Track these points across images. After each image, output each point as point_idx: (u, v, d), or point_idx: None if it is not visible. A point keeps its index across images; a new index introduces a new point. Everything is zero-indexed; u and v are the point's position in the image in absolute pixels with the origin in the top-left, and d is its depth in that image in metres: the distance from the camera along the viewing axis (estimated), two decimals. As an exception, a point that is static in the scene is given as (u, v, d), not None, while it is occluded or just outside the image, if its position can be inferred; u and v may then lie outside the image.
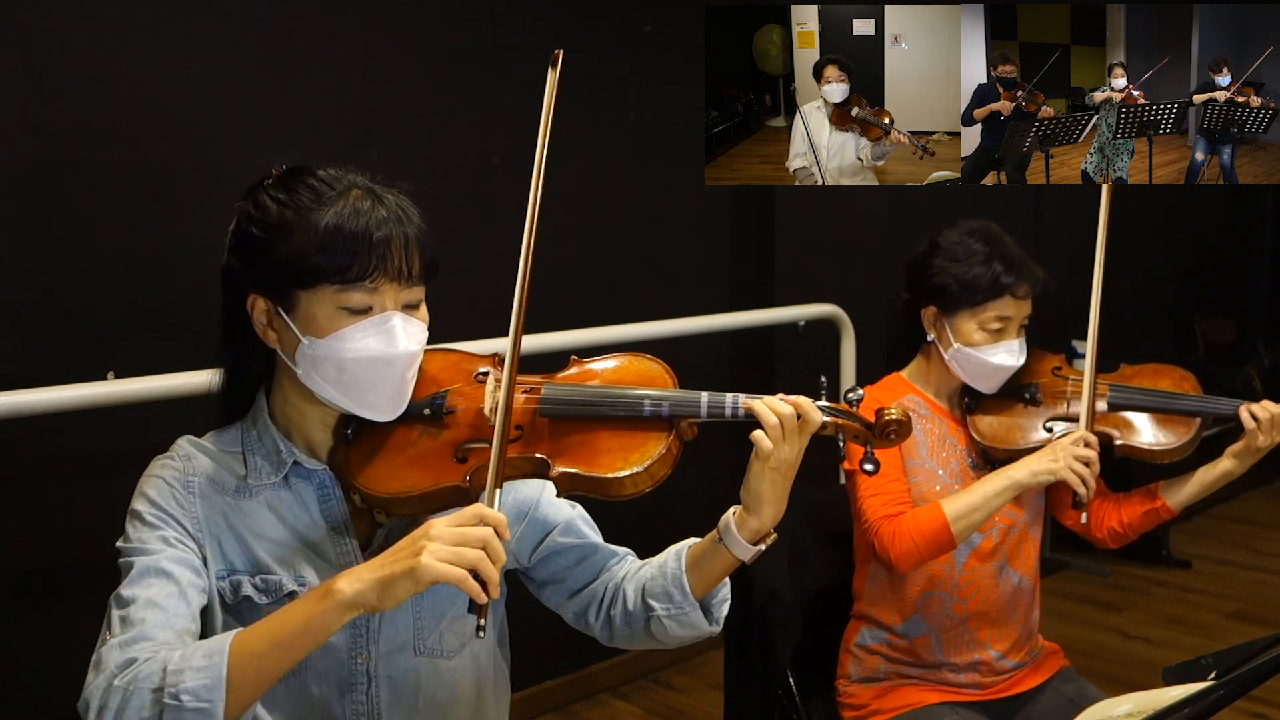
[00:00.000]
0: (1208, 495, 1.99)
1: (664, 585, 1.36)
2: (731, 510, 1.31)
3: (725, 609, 1.41)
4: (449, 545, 1.09)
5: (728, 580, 1.39)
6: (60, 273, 2.34)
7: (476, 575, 1.09)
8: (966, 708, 1.97)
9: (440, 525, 1.11)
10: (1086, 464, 1.84)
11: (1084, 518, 1.92)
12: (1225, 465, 1.94)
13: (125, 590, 1.21)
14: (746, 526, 1.29)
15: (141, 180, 2.42)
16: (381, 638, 1.33)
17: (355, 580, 1.11)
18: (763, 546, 1.30)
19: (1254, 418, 1.89)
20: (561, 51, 1.28)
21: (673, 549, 1.39)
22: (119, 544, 1.26)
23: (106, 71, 2.36)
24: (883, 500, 1.91)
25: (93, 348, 2.36)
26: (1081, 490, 1.84)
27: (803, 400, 1.27)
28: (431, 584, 1.09)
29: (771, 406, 1.26)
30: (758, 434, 1.25)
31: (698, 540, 1.37)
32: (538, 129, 1.28)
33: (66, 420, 2.16)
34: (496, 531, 1.12)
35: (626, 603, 1.40)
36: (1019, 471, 1.87)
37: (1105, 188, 2.03)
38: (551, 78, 1.28)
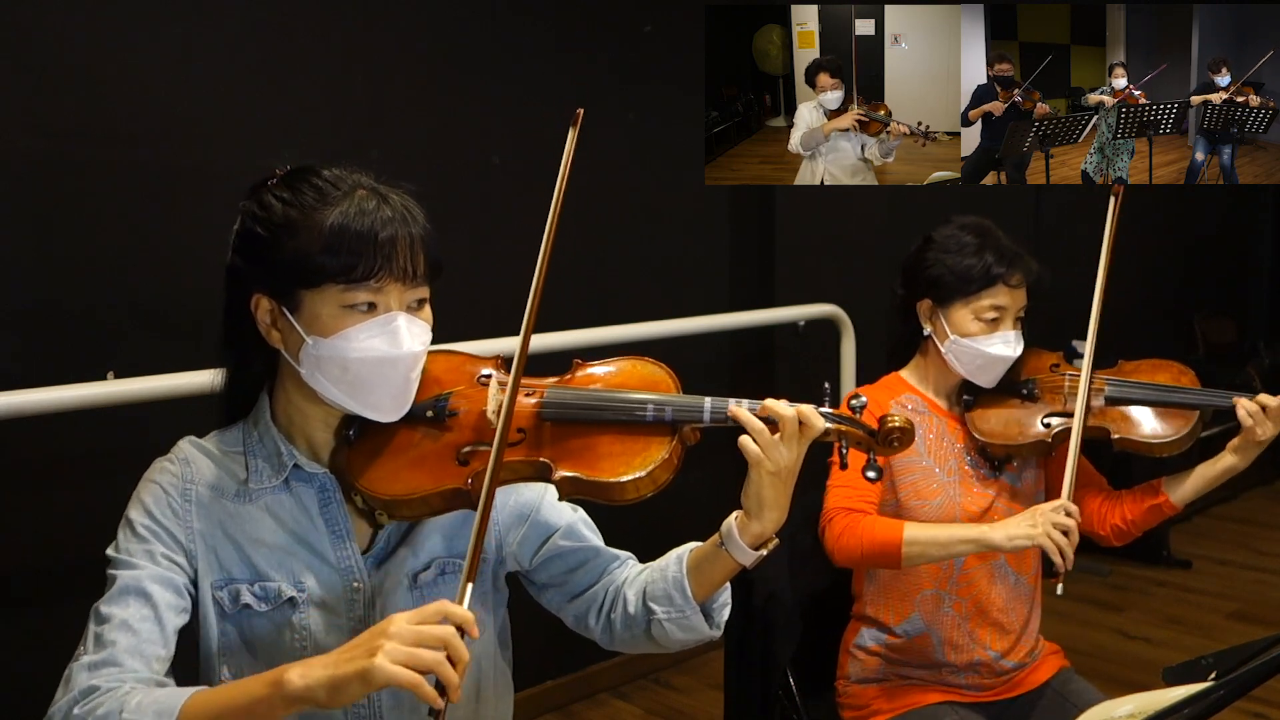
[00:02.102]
0: (1210, 492, 1.98)
1: (665, 589, 1.36)
2: (734, 515, 1.31)
3: (726, 613, 1.40)
4: (406, 646, 1.04)
5: (729, 584, 1.39)
6: (60, 273, 2.34)
7: (436, 679, 1.05)
8: (967, 708, 1.97)
9: (400, 622, 1.06)
10: (1065, 533, 1.80)
11: (1059, 589, 1.85)
12: (1227, 460, 1.94)
13: (104, 607, 1.22)
14: (748, 531, 1.29)
15: (141, 180, 2.42)
16: (382, 640, 1.33)
17: (306, 675, 1.07)
18: (764, 551, 1.30)
19: (1249, 414, 1.89)
20: (582, 111, 1.27)
21: (674, 553, 1.39)
22: (109, 551, 1.27)
23: (106, 71, 2.36)
24: (847, 494, 1.92)
25: (93, 348, 2.36)
26: (1057, 560, 1.80)
27: (805, 407, 1.27)
28: (384, 687, 1.04)
29: (773, 410, 1.26)
30: (745, 440, 1.25)
31: (699, 544, 1.37)
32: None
33: (66, 420, 2.16)
34: (462, 630, 1.07)
35: (627, 606, 1.39)
36: (995, 533, 1.84)
37: (1115, 197, 2.02)
38: (571, 136, 1.27)
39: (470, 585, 1.14)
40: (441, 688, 1.05)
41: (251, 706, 1.10)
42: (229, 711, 1.11)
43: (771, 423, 1.26)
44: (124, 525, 1.28)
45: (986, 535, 1.84)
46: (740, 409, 1.26)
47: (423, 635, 1.06)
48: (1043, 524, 1.81)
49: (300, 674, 1.08)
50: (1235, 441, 1.92)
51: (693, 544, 1.38)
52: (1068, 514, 1.82)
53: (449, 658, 1.05)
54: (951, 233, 2.00)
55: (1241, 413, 1.89)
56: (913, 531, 1.86)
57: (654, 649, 1.41)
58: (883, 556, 1.87)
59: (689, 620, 1.35)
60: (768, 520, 1.28)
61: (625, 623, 1.40)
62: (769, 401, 1.27)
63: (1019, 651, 2.03)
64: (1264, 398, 1.89)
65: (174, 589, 1.26)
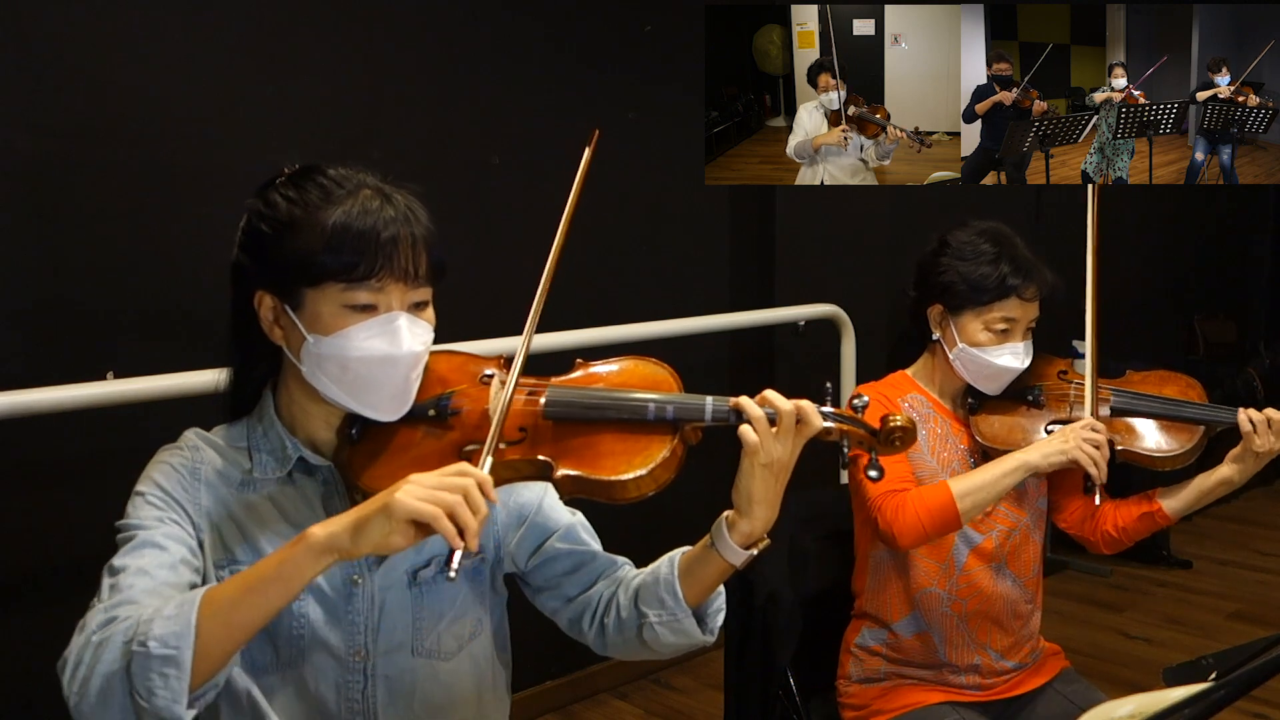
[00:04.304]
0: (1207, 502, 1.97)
1: (657, 592, 1.35)
2: (724, 514, 1.31)
3: (720, 618, 1.39)
4: (426, 486, 1.08)
5: (723, 590, 1.38)
6: (60, 273, 2.34)
7: (455, 522, 1.07)
8: (967, 708, 1.97)
9: (420, 474, 1.11)
10: (1096, 447, 1.84)
11: (1097, 499, 1.90)
12: (1223, 472, 1.92)
13: (118, 560, 1.21)
14: (738, 530, 1.28)
15: (141, 180, 2.42)
16: (380, 637, 1.33)
17: (329, 524, 1.10)
18: (754, 551, 1.29)
19: (1251, 422, 1.87)
20: (598, 132, 1.29)
21: (666, 556, 1.39)
22: (118, 522, 1.26)
23: (106, 71, 2.36)
24: (885, 478, 1.91)
25: (93, 348, 2.36)
26: (1094, 471, 1.83)
27: (804, 403, 1.26)
28: (405, 523, 1.07)
29: (772, 402, 1.25)
30: (744, 428, 1.24)
31: (692, 547, 1.37)
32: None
33: (66, 420, 2.16)
34: (481, 489, 1.10)
35: (620, 610, 1.39)
36: (1031, 454, 1.87)
37: (1092, 188, 2.02)
38: (586, 156, 1.29)
39: (490, 459, 1.17)
40: (460, 530, 1.07)
41: (279, 569, 1.11)
42: (256, 581, 1.11)
43: (770, 415, 1.25)
44: (133, 498, 1.28)
45: (1025, 459, 1.87)
46: (744, 399, 1.26)
47: (443, 481, 1.09)
48: (1074, 439, 1.85)
49: (322, 526, 1.10)
50: (1234, 451, 1.90)
51: (686, 547, 1.37)
52: (1095, 430, 1.86)
53: (467, 503, 1.08)
54: (968, 239, 1.98)
55: (1243, 418, 1.87)
56: (959, 485, 1.87)
57: (647, 654, 1.40)
58: (943, 521, 1.87)
59: (680, 624, 1.35)
60: (757, 518, 1.27)
61: (618, 627, 1.40)
62: (769, 393, 1.26)
63: (1019, 651, 2.03)
64: (1271, 412, 1.87)
65: (188, 546, 1.26)
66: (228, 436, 1.37)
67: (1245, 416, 1.87)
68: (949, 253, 1.98)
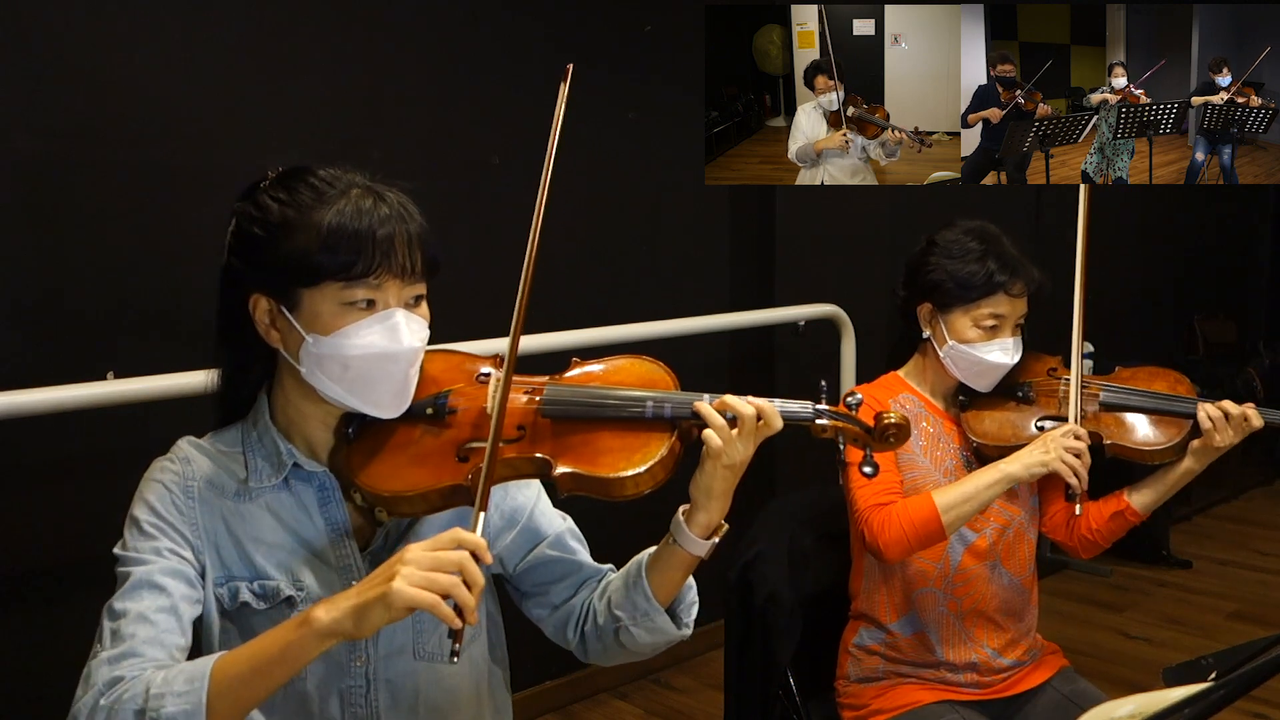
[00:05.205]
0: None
1: (629, 594, 1.37)
2: (680, 509, 1.33)
3: (694, 612, 1.42)
4: (422, 570, 1.07)
5: (694, 584, 1.40)
6: (60, 273, 2.34)
7: (454, 602, 1.07)
8: (966, 707, 1.97)
9: (415, 550, 1.09)
10: (1077, 455, 1.86)
11: (1078, 509, 1.92)
12: (1185, 464, 1.94)
13: (117, 603, 1.22)
14: (696, 522, 1.30)
15: (141, 180, 2.42)
16: (381, 641, 1.33)
17: (332, 608, 1.10)
18: (716, 539, 1.32)
19: (1210, 418, 1.89)
20: (572, 66, 1.29)
21: (635, 559, 1.40)
22: (116, 550, 1.27)
23: (106, 71, 2.36)
24: (874, 490, 1.92)
25: (93, 348, 2.36)
26: (1074, 481, 1.85)
27: (764, 404, 1.28)
28: (405, 610, 1.07)
29: (733, 406, 1.27)
30: (708, 433, 1.26)
31: (655, 547, 1.38)
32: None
33: (66, 420, 2.16)
34: (476, 556, 1.10)
35: (597, 617, 1.41)
36: (1011, 465, 1.88)
37: (1084, 189, 2.04)
38: (562, 91, 1.29)
39: (483, 515, 1.16)
40: (459, 611, 1.07)
41: (283, 651, 1.12)
42: (262, 661, 1.12)
43: (732, 419, 1.27)
44: (130, 524, 1.28)
45: (1007, 471, 1.88)
46: (703, 404, 1.28)
47: (439, 560, 1.09)
48: (1055, 449, 1.86)
49: (325, 610, 1.10)
50: (1194, 444, 1.92)
51: (652, 548, 1.39)
52: (1076, 437, 1.87)
53: (464, 581, 1.08)
54: (955, 237, 1.99)
55: (1202, 416, 1.90)
56: (943, 499, 1.88)
57: (627, 657, 1.42)
58: (927, 534, 1.88)
59: (654, 622, 1.36)
60: (714, 510, 1.30)
61: (596, 633, 1.42)
62: (728, 397, 1.28)
63: (1017, 649, 2.03)
64: (1226, 404, 1.90)
65: (186, 580, 1.26)
66: (220, 443, 1.36)
67: (1204, 414, 1.90)
68: (936, 251, 2.00)
